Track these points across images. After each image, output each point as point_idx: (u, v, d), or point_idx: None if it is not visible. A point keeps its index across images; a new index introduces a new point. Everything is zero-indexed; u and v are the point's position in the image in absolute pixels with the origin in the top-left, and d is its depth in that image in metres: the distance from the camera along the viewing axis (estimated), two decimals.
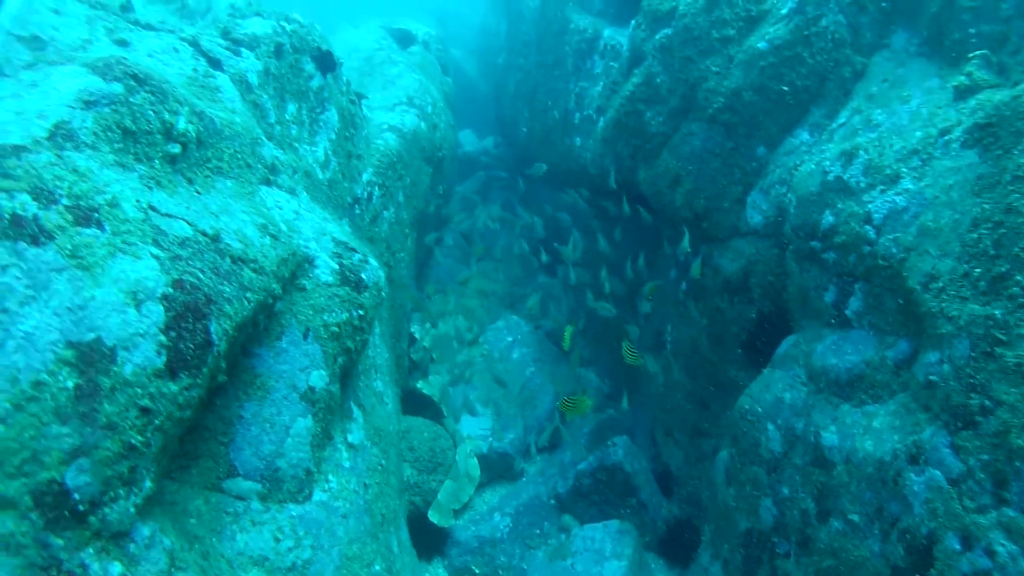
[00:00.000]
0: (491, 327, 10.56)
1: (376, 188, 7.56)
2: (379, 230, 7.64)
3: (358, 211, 7.15)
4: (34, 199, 3.10)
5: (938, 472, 4.72)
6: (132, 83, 3.96)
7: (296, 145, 6.20)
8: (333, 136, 6.79)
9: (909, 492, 4.90)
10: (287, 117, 6.17)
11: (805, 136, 7.33)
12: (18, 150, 3.22)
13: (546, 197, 12.15)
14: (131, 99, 3.89)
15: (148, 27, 5.58)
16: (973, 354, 4.65)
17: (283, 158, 5.48)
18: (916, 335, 5.40)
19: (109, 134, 3.71)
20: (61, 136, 3.45)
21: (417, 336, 9.51)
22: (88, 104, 3.69)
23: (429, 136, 9.51)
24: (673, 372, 8.74)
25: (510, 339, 10.45)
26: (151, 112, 3.99)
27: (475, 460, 8.77)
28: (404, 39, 12.61)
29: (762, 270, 7.48)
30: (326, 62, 6.74)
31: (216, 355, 3.52)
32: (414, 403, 9.07)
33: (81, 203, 3.24)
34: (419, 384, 9.10)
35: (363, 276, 4.98)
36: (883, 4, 7.15)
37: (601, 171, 9.08)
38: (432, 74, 11.72)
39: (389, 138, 8.33)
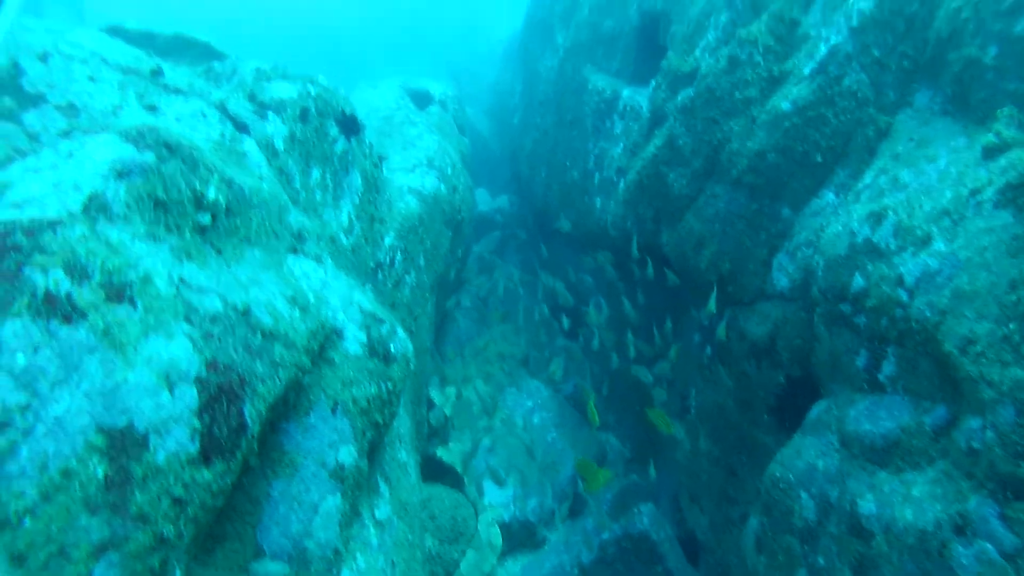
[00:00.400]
0: (511, 391, 10.40)
1: (398, 253, 7.49)
2: (401, 295, 7.55)
3: (380, 276, 7.07)
4: (67, 274, 3.01)
5: (989, 545, 4.52)
6: (164, 151, 3.91)
7: (320, 210, 6.14)
8: (357, 200, 6.74)
9: (957, 565, 4.69)
10: (312, 182, 6.13)
11: (831, 197, 7.23)
12: (54, 224, 3.14)
13: (565, 257, 12.08)
14: (163, 168, 3.83)
15: (177, 91, 5.59)
16: (1020, 420, 4.49)
17: (309, 225, 5.41)
18: (954, 400, 5.23)
19: (141, 204, 3.64)
20: (95, 208, 3.38)
21: (437, 402, 9.36)
22: (121, 174, 3.63)
23: (449, 199, 9.48)
24: (699, 437, 8.56)
25: (530, 404, 10.29)
26: (182, 181, 3.93)
27: (497, 529, 8.55)
28: (422, 99, 12.67)
29: (790, 334, 7.33)
30: (350, 126, 6.72)
31: (250, 439, 3.40)
32: (433, 470, 8.89)
33: (114, 279, 3.15)
34: (439, 451, 8.93)
35: (391, 348, 4.87)
36: (904, 63, 7.10)
37: (622, 233, 9.00)
38: (449, 134, 11.74)
39: (410, 201, 8.29)
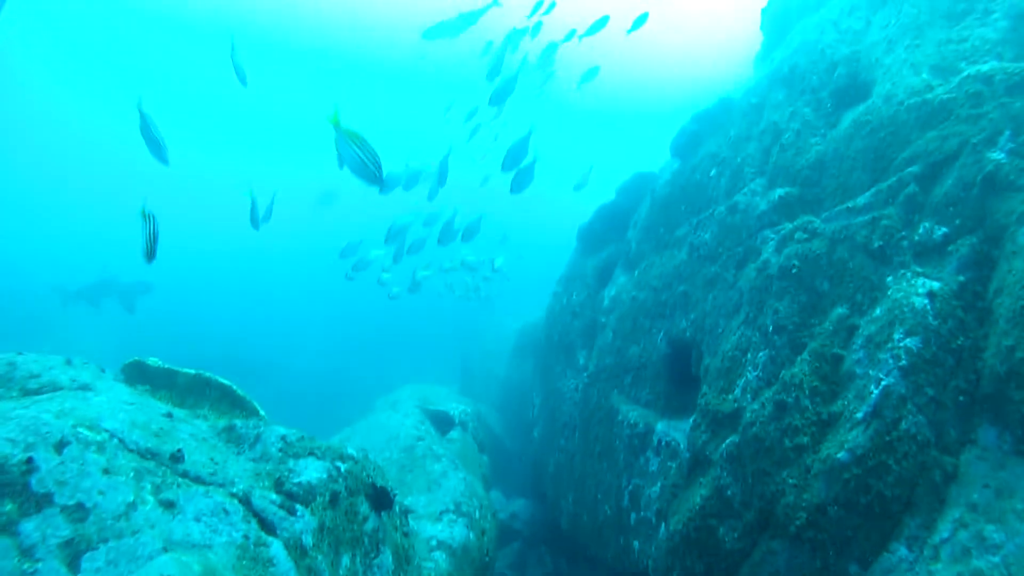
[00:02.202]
0: None
1: None
2: None
3: None
4: None
5: None
6: None
7: None
8: None
9: None
10: (341, 573, 5.53)
11: (903, 551, 6.58)
12: None
13: None
14: None
15: (197, 480, 5.22)
16: None
17: None
18: None
19: None
20: None
21: None
22: None
23: (478, 545, 8.84)
24: None
25: None
26: None
27: None
28: (442, 422, 12.44)
29: None
30: (381, 500, 6.24)
31: None
32: None
33: None
34: None
35: None
36: (960, 398, 6.72)
37: None
38: (471, 460, 11.36)
39: (439, 559, 7.66)
